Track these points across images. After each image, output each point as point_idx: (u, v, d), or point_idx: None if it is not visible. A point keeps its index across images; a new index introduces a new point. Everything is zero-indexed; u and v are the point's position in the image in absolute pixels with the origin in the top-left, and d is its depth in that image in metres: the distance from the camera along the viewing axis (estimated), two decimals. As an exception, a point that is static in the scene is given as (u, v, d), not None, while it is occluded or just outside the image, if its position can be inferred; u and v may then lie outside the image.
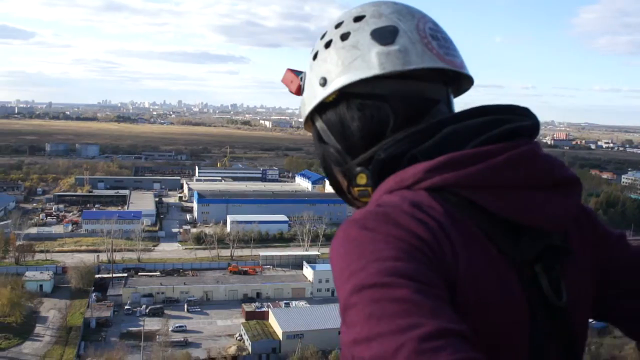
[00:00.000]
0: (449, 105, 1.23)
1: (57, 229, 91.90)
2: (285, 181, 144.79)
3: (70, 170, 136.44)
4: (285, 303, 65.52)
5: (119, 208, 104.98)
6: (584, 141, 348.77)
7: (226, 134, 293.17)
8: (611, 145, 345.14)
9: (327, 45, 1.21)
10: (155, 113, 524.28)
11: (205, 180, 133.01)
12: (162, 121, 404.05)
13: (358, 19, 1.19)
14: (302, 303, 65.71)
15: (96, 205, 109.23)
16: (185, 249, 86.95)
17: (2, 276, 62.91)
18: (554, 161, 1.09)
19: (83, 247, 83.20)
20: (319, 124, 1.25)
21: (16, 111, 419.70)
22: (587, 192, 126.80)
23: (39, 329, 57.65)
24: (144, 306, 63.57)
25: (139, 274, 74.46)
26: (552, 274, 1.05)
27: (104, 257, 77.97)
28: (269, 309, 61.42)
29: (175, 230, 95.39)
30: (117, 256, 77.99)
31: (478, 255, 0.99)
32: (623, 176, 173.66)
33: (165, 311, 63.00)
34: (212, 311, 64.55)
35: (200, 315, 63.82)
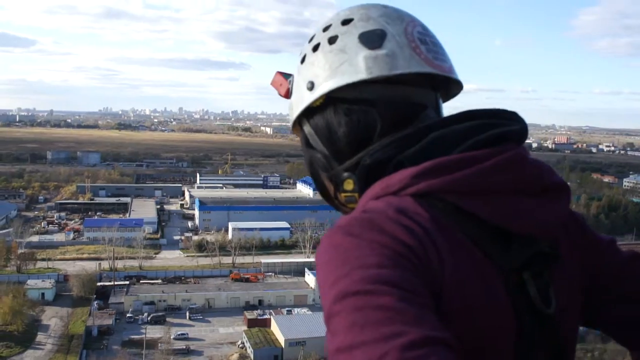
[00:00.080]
0: (438, 110, 1.22)
1: (59, 237, 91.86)
2: (286, 188, 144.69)
3: (71, 178, 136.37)
4: (287, 310, 65.40)
5: (121, 216, 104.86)
6: (585, 145, 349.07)
7: (227, 140, 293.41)
8: (612, 148, 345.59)
9: (315, 48, 1.20)
10: (156, 120, 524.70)
11: (206, 187, 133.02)
12: (163, 128, 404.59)
13: (346, 22, 1.18)
14: (304, 310, 65.53)
15: (98, 213, 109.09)
16: (187, 256, 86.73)
17: (4, 284, 62.81)
18: (542, 166, 1.07)
19: (85, 255, 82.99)
20: (307, 128, 1.24)
21: (17, 119, 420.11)
22: (588, 196, 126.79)
23: (40, 337, 57.48)
24: (145, 314, 63.39)
25: (141, 281, 74.30)
26: (540, 281, 1.04)
27: (105, 265, 77.88)
28: (271, 316, 61.28)
29: (176, 237, 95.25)
30: (119, 264, 77.90)
31: (464, 262, 0.98)
32: (624, 180, 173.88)
33: (167, 319, 62.85)
34: (214, 319, 64.36)
35: (202, 322, 63.65)
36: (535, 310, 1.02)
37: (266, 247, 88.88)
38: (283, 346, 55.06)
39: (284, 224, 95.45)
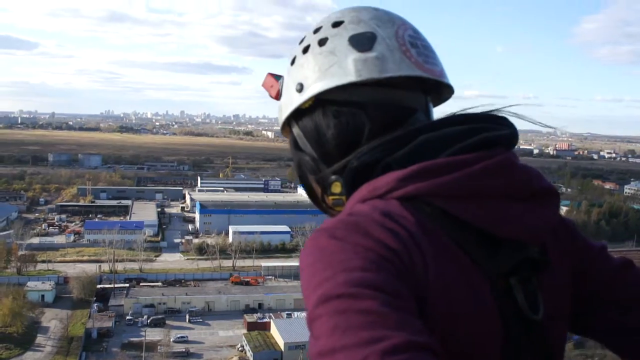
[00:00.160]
0: (428, 114, 1.21)
1: (59, 239, 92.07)
2: (287, 192, 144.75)
3: (72, 180, 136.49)
4: (287, 314, 65.33)
5: (121, 218, 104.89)
6: (586, 151, 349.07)
7: (228, 144, 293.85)
8: (613, 155, 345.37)
9: (305, 50, 1.19)
10: (157, 123, 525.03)
11: (207, 190, 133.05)
12: (164, 131, 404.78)
13: (337, 24, 1.17)
14: (304, 314, 65.08)
15: (98, 216, 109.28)
16: (187, 259, 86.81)
17: (4, 286, 62.89)
18: (531, 171, 1.07)
19: (85, 258, 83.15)
20: (296, 130, 1.23)
21: (19, 121, 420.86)
22: (589, 202, 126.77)
23: (40, 339, 57.54)
24: (145, 316, 63.38)
25: (141, 284, 74.34)
26: (528, 287, 1.03)
27: (105, 267, 77.96)
28: (271, 320, 61.25)
29: (177, 240, 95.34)
30: (119, 266, 78.00)
31: (450, 266, 0.97)
32: (626, 186, 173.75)
33: (167, 322, 62.94)
34: (214, 322, 64.39)
35: (202, 325, 63.69)
36: (522, 317, 1.01)
37: (266, 251, 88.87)
38: (283, 350, 55.04)
39: (284, 228, 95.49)
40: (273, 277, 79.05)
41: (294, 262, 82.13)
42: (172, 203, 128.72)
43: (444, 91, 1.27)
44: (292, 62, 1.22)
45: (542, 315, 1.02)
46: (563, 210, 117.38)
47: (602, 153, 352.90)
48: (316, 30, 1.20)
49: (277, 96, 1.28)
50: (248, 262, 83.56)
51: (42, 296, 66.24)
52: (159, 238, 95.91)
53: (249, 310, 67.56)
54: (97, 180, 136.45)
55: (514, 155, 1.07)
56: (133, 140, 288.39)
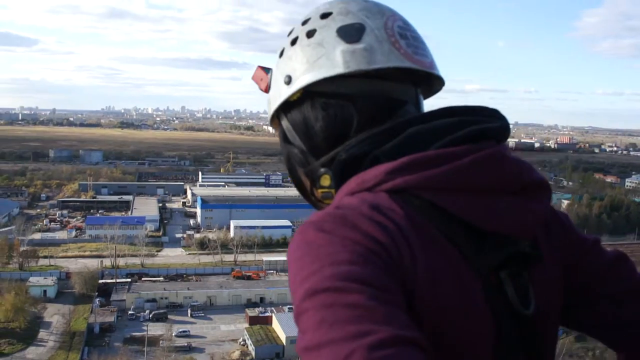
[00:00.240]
0: (418, 106, 1.19)
1: (61, 235, 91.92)
2: (288, 186, 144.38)
3: (73, 176, 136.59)
4: (288, 308, 65.24)
5: (123, 214, 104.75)
6: (587, 145, 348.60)
7: (229, 139, 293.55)
8: (615, 148, 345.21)
9: (293, 42, 1.18)
10: (158, 119, 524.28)
11: (208, 185, 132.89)
12: (165, 127, 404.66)
13: (325, 15, 1.15)
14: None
15: (100, 211, 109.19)
16: (189, 254, 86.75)
17: (6, 282, 62.95)
18: (523, 164, 1.05)
19: (87, 253, 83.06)
20: (285, 123, 1.22)
21: (20, 118, 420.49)
22: (591, 196, 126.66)
23: (42, 334, 57.62)
24: (147, 311, 63.44)
25: (143, 279, 74.40)
26: (519, 281, 1.02)
27: (107, 262, 77.89)
28: (273, 314, 61.32)
29: (178, 235, 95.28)
30: (121, 261, 77.95)
31: (438, 260, 0.95)
32: (627, 180, 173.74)
33: (169, 316, 62.87)
34: (216, 316, 64.42)
35: (204, 320, 63.71)
36: (513, 311, 1.00)
37: (268, 245, 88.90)
38: (284, 343, 55.08)
39: (285, 222, 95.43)
40: (274, 272, 78.99)
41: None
42: (173, 198, 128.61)
43: (434, 83, 1.25)
44: (281, 55, 1.21)
45: (533, 309, 1.01)
46: (564, 203, 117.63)
47: (603, 146, 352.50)
48: (304, 22, 1.18)
49: (267, 89, 1.26)
50: (249, 257, 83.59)
51: (45, 291, 66.35)
52: (161, 233, 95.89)
53: (251, 304, 67.56)
54: (98, 175, 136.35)
55: (504, 147, 1.05)
56: (134, 135, 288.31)
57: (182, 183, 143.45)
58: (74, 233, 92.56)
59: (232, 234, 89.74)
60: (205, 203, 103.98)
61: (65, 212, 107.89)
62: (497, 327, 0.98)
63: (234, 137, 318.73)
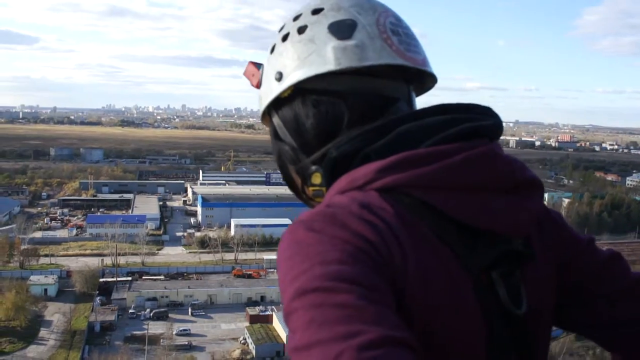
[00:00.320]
0: (410, 103, 1.18)
1: (62, 233, 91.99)
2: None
3: (74, 174, 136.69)
4: (289, 306, 65.29)
5: (123, 212, 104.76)
6: (588, 143, 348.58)
7: (230, 137, 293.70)
8: (615, 147, 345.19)
9: (285, 38, 1.17)
10: (159, 117, 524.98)
11: (209, 184, 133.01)
12: (166, 125, 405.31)
13: (316, 11, 1.14)
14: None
15: (100, 210, 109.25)
16: (189, 252, 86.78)
17: (7, 280, 62.98)
18: (515, 162, 1.04)
19: (87, 251, 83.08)
20: (276, 119, 1.20)
21: (21, 116, 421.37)
22: (591, 194, 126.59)
23: (43, 332, 57.63)
24: (148, 310, 63.48)
25: (143, 277, 74.35)
26: (511, 280, 1.01)
27: (108, 261, 77.96)
28: (273, 313, 61.26)
29: (179, 234, 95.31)
30: (122, 260, 77.98)
31: (429, 259, 0.94)
32: (628, 178, 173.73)
33: (170, 315, 62.93)
34: (216, 315, 64.43)
35: (204, 319, 63.73)
36: (505, 310, 0.99)
37: (268, 244, 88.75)
38: (285, 342, 54.90)
39: (286, 221, 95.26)
40: (275, 270, 78.77)
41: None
42: (174, 196, 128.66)
43: (427, 80, 1.24)
44: (272, 51, 1.19)
45: (526, 308, 1.00)
46: (565, 202, 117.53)
47: (604, 145, 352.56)
48: (296, 18, 1.17)
49: (258, 85, 1.25)
50: (250, 255, 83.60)
51: (45, 290, 66.33)
52: (161, 231, 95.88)
53: (251, 303, 67.58)
54: (99, 174, 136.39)
55: (497, 146, 1.05)
56: (134, 134, 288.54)
57: (183, 181, 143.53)
58: (74, 231, 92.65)
59: (232, 232, 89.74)
60: (206, 201, 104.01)
61: (66, 210, 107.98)
62: (488, 327, 0.98)
63: (234, 136, 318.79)
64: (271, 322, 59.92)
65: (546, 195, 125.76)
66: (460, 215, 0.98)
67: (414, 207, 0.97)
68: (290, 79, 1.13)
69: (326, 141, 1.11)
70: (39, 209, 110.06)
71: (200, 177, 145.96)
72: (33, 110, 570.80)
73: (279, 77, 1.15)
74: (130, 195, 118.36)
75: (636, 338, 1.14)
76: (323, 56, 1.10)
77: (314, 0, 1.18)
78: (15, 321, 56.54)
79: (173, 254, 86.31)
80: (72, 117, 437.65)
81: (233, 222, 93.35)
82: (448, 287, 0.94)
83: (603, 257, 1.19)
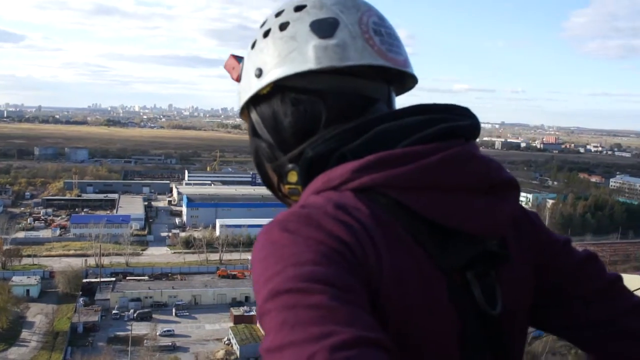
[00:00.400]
0: (390, 104, 1.17)
1: (45, 233, 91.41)
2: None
3: (59, 174, 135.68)
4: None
5: (108, 212, 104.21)
6: (573, 145, 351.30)
7: (216, 137, 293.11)
8: (600, 149, 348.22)
9: (266, 34, 1.15)
10: (145, 117, 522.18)
11: (194, 184, 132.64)
12: (152, 125, 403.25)
13: (299, 8, 1.13)
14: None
15: (85, 210, 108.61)
16: (174, 253, 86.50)
17: (-11, 281, 62.39)
18: (491, 163, 1.04)
19: (71, 252, 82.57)
20: (254, 116, 1.19)
21: (5, 115, 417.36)
22: (575, 195, 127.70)
23: (25, 334, 57.19)
24: (131, 310, 63.14)
25: (127, 278, 73.95)
26: (486, 281, 1.00)
27: (92, 261, 77.54)
28: (258, 313, 61.22)
29: (164, 234, 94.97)
30: (105, 260, 77.63)
31: (404, 259, 0.94)
32: (611, 180, 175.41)
33: (154, 315, 62.61)
34: (201, 315, 64.24)
35: (189, 319, 63.51)
36: (479, 311, 0.99)
37: (253, 244, 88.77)
38: (269, 343, 55.02)
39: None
40: (260, 271, 78.86)
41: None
42: (159, 197, 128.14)
43: (407, 81, 1.23)
44: (253, 46, 1.18)
45: (500, 309, 1.00)
46: (549, 203, 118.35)
47: (588, 147, 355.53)
48: (278, 14, 1.15)
49: (238, 78, 1.24)
50: (235, 256, 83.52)
51: (27, 291, 65.81)
52: (146, 232, 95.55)
53: (236, 303, 67.44)
54: (84, 174, 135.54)
55: (473, 146, 1.05)
56: (120, 133, 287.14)
57: (168, 181, 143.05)
58: (58, 232, 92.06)
59: (217, 232, 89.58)
60: (191, 202, 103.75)
61: (49, 210, 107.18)
62: (462, 327, 0.98)
63: (220, 136, 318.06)
64: (255, 323, 59.76)
65: (530, 196, 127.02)
66: (435, 215, 0.97)
67: (389, 207, 0.97)
68: (269, 76, 1.12)
69: (304, 140, 1.10)
70: (22, 208, 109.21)
71: (186, 177, 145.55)
72: (18, 109, 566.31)
73: (259, 73, 1.14)
74: (115, 195, 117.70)
75: (611, 338, 1.14)
76: (304, 54, 1.09)
77: None
78: (-3, 322, 56.05)
79: (157, 255, 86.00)
80: (58, 116, 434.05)
81: (218, 222, 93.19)
82: (422, 288, 0.94)
83: (579, 258, 1.20)
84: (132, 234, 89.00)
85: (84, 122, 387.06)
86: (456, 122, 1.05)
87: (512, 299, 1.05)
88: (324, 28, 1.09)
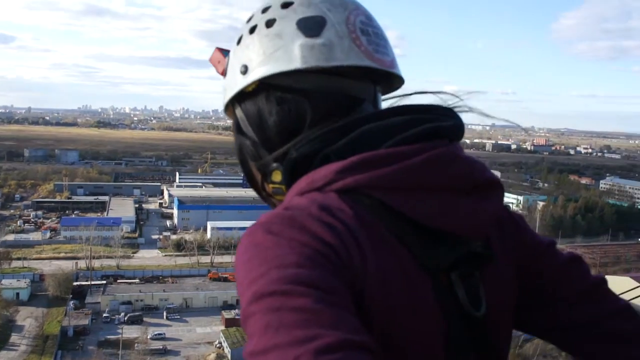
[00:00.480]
0: (376, 104, 1.16)
1: (35, 236, 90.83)
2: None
3: (49, 176, 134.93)
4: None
5: (99, 214, 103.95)
6: (563, 147, 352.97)
7: (207, 139, 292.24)
8: (590, 150, 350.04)
9: (252, 30, 1.14)
10: (136, 118, 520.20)
11: (185, 186, 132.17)
12: (142, 127, 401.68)
13: (286, 5, 1.11)
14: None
15: (75, 212, 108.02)
16: (165, 255, 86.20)
17: (-22, 284, 61.98)
18: (475, 163, 1.03)
19: (61, 254, 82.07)
20: (239, 112, 1.18)
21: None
22: (565, 197, 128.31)
23: (14, 338, 56.82)
24: (122, 314, 62.82)
25: (118, 281, 73.72)
26: (470, 282, 1.00)
27: (82, 264, 77.03)
28: (249, 316, 61.09)
29: (155, 236, 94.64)
30: (96, 263, 77.27)
31: (389, 261, 0.93)
32: (601, 181, 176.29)
33: (144, 319, 62.38)
34: (192, 318, 64.05)
35: (180, 322, 63.32)
36: (463, 312, 0.99)
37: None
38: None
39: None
40: (252, 274, 78.73)
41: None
42: (150, 199, 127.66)
43: (394, 81, 1.22)
44: (239, 42, 1.16)
45: (484, 310, 1.00)
46: (540, 205, 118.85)
47: (578, 148, 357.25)
48: (265, 10, 1.14)
49: (224, 72, 1.22)
50: (226, 258, 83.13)
51: (17, 294, 65.33)
52: (137, 234, 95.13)
53: (227, 306, 67.21)
54: (74, 176, 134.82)
55: (457, 147, 1.04)
56: (111, 135, 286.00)
57: (159, 184, 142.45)
58: (48, 234, 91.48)
59: (209, 235, 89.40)
60: (182, 204, 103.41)
61: (39, 212, 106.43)
62: (447, 328, 0.97)
63: (212, 137, 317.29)
64: (247, 326, 59.68)
65: (521, 198, 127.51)
66: (419, 216, 0.97)
67: (373, 208, 0.96)
68: (255, 74, 1.11)
69: (289, 139, 1.09)
70: (12, 211, 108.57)
71: (177, 180, 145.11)
72: (7, 110, 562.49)
73: (244, 70, 1.13)
74: (105, 198, 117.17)
75: (595, 340, 1.15)
76: (290, 53, 1.08)
77: None
78: (-14, 326, 55.69)
79: (148, 257, 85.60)
80: (47, 118, 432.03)
81: (209, 224, 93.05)
82: (406, 289, 0.94)
83: (563, 260, 1.20)
84: (123, 237, 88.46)
85: (74, 124, 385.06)
86: (440, 123, 1.04)
87: (496, 300, 1.05)
88: (310, 27, 1.08)
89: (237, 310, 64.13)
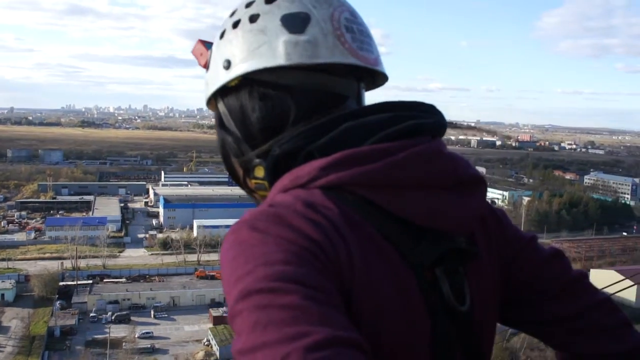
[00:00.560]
0: (360, 101, 1.16)
1: (20, 237, 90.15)
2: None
3: (33, 176, 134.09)
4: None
5: (84, 214, 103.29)
6: (547, 143, 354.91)
7: (192, 138, 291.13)
8: (574, 146, 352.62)
9: (235, 25, 1.12)
10: (120, 118, 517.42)
11: (171, 185, 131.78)
12: (127, 126, 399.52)
13: (270, 0, 1.10)
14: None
15: (60, 212, 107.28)
16: (152, 254, 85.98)
17: (-38, 285, 61.39)
18: (458, 160, 1.04)
19: (47, 255, 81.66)
20: (221, 107, 1.17)
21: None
22: (550, 192, 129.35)
23: (0, 339, 56.31)
24: (109, 313, 62.51)
25: (104, 280, 73.29)
26: (454, 278, 1.01)
27: (68, 264, 76.50)
28: (237, 314, 61.03)
29: (141, 235, 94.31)
30: (82, 263, 76.77)
31: (374, 257, 0.94)
32: (585, 177, 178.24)
33: (132, 318, 62.06)
34: (179, 317, 63.87)
35: (167, 321, 63.11)
36: (449, 308, 0.99)
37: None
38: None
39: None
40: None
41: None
42: (135, 198, 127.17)
43: (378, 78, 1.22)
44: (222, 36, 1.15)
45: (469, 306, 1.01)
46: (525, 200, 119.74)
47: (563, 144, 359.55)
48: (248, 4, 1.13)
49: (206, 65, 1.20)
50: (213, 256, 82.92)
51: (2, 295, 64.80)
52: (123, 233, 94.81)
53: (215, 304, 67.13)
54: (59, 176, 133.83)
55: (440, 143, 1.05)
56: (95, 135, 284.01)
57: (145, 183, 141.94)
58: (33, 235, 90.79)
59: (195, 233, 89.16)
60: (168, 202, 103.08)
61: (23, 213, 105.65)
62: (432, 323, 0.98)
63: (197, 136, 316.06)
64: (235, 324, 59.62)
65: (507, 194, 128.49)
66: (403, 212, 0.97)
67: (358, 205, 0.96)
68: (237, 69, 1.10)
69: (272, 135, 1.09)
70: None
71: (162, 178, 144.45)
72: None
73: (227, 65, 1.12)
74: (90, 197, 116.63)
75: (577, 333, 1.17)
76: (273, 49, 1.07)
77: None
78: (-29, 327, 55.18)
79: (135, 256, 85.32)
80: (31, 118, 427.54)
81: (195, 223, 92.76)
82: (393, 285, 0.94)
83: (544, 255, 1.21)
84: (109, 236, 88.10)
85: (57, 124, 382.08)
86: (422, 120, 1.04)
87: (480, 295, 1.06)
88: (295, 23, 1.07)
89: (224, 308, 64.06)
